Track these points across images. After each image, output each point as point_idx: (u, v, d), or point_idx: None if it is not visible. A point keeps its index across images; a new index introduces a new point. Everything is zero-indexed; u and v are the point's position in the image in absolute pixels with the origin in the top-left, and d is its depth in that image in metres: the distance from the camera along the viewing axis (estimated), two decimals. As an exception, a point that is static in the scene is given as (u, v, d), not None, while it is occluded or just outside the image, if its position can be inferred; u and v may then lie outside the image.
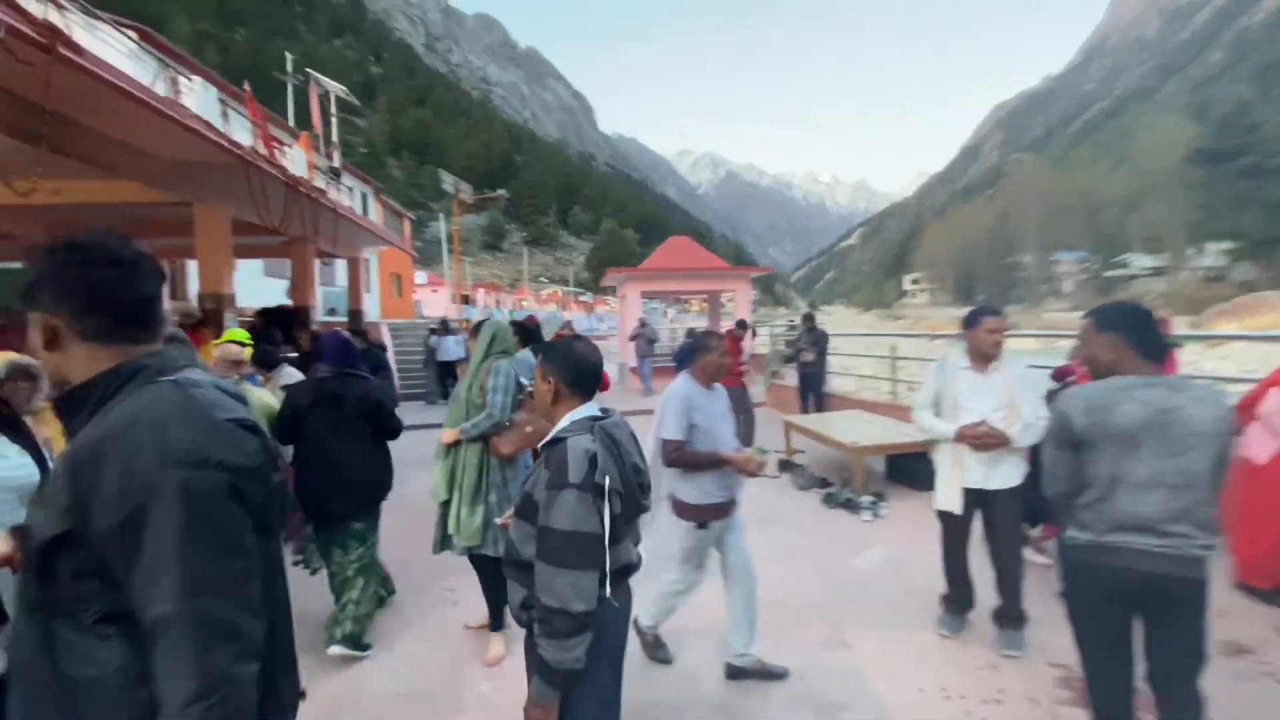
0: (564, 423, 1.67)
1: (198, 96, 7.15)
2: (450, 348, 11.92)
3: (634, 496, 1.61)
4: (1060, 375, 4.13)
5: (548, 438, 1.66)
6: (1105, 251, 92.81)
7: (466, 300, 43.03)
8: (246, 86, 8.51)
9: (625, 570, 1.63)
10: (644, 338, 13.03)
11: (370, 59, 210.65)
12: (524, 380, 3.13)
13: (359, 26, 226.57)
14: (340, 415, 3.11)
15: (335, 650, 3.02)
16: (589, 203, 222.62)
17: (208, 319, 7.29)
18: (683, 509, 2.80)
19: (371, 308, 24.71)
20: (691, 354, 2.92)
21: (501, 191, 22.26)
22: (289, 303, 10.03)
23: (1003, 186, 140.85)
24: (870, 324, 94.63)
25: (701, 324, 30.22)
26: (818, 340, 8.89)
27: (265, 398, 3.86)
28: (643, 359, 13.00)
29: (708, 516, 2.78)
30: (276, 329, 9.67)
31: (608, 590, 1.53)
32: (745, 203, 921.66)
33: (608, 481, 1.50)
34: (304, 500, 3.10)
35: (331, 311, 15.48)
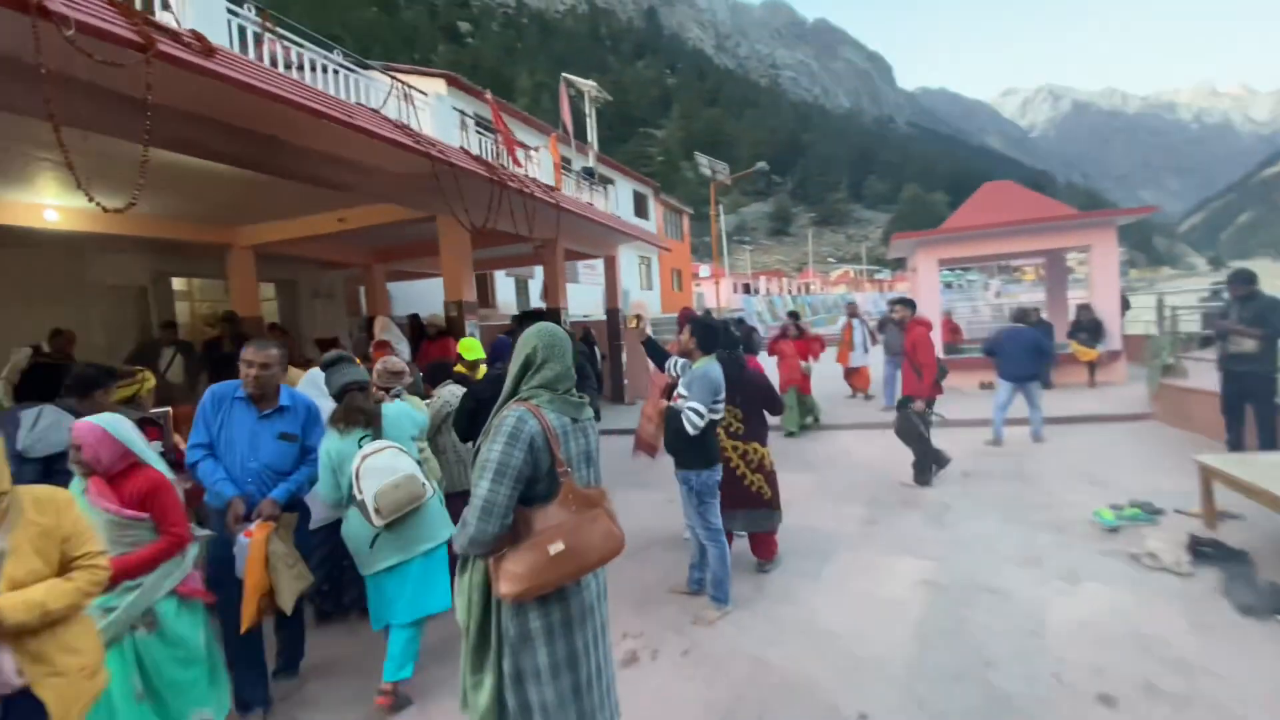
0: None
1: (433, 111, 7.26)
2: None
3: None
4: None
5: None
6: None
7: (747, 289, 42.44)
8: (488, 94, 8.62)
9: None
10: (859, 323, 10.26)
11: (666, 72, 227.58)
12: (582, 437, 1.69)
13: (656, 44, 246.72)
14: None
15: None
16: (886, 170, 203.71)
17: (451, 327, 7.45)
18: None
19: (653, 303, 25.57)
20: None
21: (761, 164, 20.46)
22: (543, 305, 10.15)
23: None
24: (1328, 279, 64.98)
25: (1036, 296, 23.59)
26: (1262, 314, 5.16)
27: (417, 404, 3.56)
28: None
29: None
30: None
31: None
32: (1101, 139, 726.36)
33: None
34: None
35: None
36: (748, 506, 3.99)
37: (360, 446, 2.85)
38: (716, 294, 20.94)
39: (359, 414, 2.88)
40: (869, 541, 4.54)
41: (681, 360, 3.85)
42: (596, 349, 9.76)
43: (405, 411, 3.13)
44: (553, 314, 9.71)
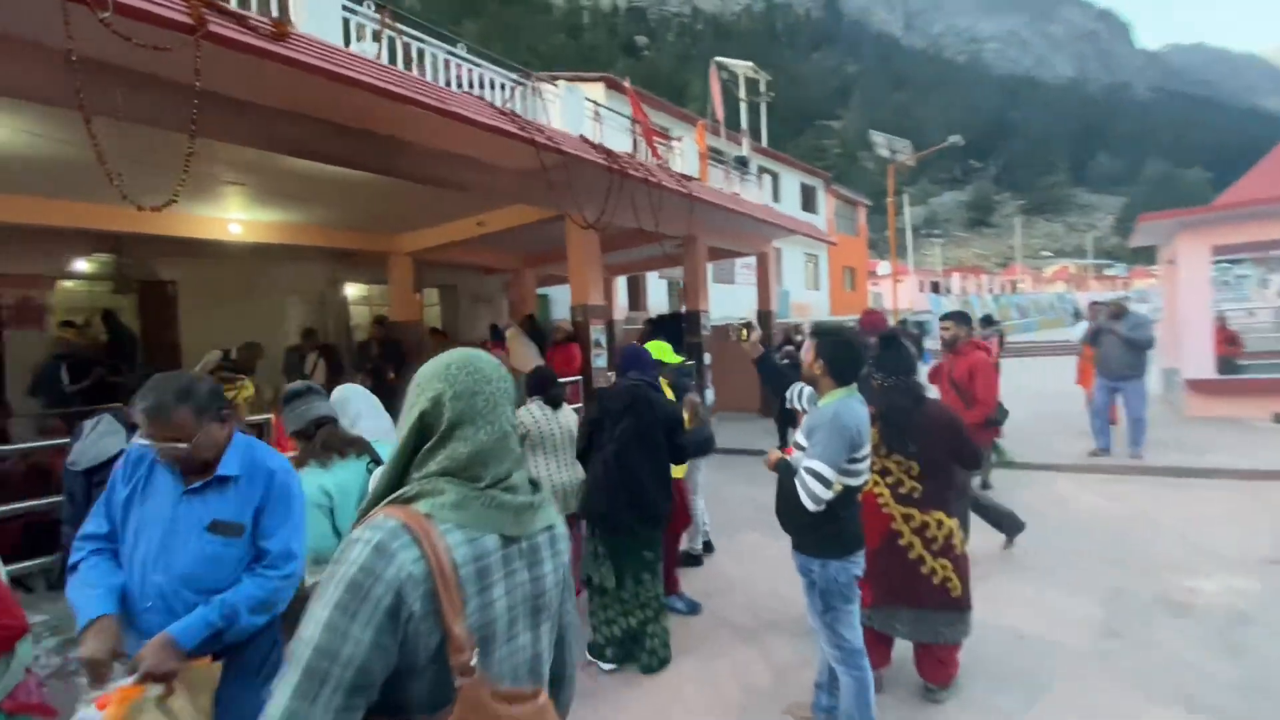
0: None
1: (562, 102, 6.79)
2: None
3: None
4: None
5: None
6: None
7: (936, 289, 37.50)
8: (626, 82, 8.00)
9: None
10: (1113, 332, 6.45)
11: (846, 60, 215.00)
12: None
13: (835, 33, 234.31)
14: (644, 424, 3.12)
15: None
16: (1120, 145, 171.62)
17: (579, 333, 6.93)
18: None
19: (819, 305, 23.53)
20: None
21: (954, 138, 17.39)
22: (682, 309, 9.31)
23: None
24: None
25: (1357, 294, 17.52)
26: None
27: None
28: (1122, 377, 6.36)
29: None
30: (664, 337, 9.09)
31: None
32: None
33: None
34: (593, 506, 3.18)
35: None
36: (921, 605, 2.71)
37: (369, 473, 2.22)
38: (894, 294, 18.43)
39: (349, 445, 2.25)
40: (1107, 667, 2.99)
41: (806, 389, 2.74)
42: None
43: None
44: (691, 319, 8.84)
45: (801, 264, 23.12)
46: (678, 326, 9.05)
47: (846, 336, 2.38)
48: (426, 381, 1.02)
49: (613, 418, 3.18)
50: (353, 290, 11.21)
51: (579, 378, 6.61)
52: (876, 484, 2.76)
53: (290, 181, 6.16)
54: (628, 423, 3.13)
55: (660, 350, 3.94)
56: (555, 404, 3.86)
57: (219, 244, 8.09)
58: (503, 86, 6.11)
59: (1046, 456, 6.76)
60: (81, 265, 7.87)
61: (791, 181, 22.45)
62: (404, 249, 9.26)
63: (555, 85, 6.77)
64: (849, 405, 2.27)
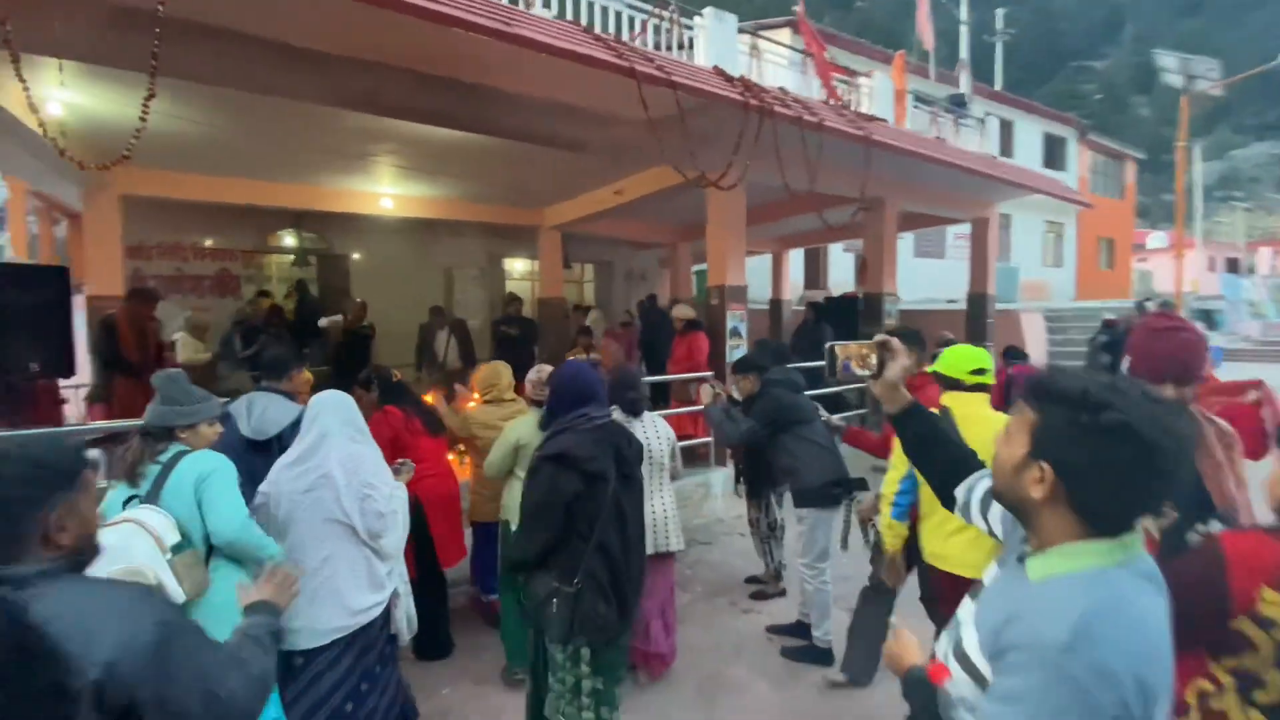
0: None
1: (708, 32, 5.53)
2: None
3: None
4: None
5: None
6: None
7: (1233, 267, 28.36)
8: (799, 7, 6.41)
9: None
10: None
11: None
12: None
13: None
14: (631, 492, 2.12)
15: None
16: None
17: (711, 319, 5.72)
18: None
19: (1061, 285, 19.01)
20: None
21: None
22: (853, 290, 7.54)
23: None
24: None
25: None
26: None
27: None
28: None
29: None
30: (831, 325, 7.38)
31: None
32: None
33: None
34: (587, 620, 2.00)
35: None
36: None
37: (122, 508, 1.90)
38: (1177, 273, 13.82)
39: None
40: None
41: (980, 487, 1.27)
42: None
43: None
44: (871, 303, 7.05)
45: (1040, 234, 18.77)
46: (850, 312, 7.34)
47: (1134, 401, 0.89)
48: None
49: (590, 482, 1.96)
50: (520, 265, 11.15)
51: (708, 374, 5.42)
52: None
53: (423, 152, 5.86)
54: (612, 491, 1.98)
55: (961, 360, 2.31)
56: (634, 411, 3.00)
57: (383, 220, 8.31)
58: (630, 21, 5.01)
59: None
60: (270, 241, 8.61)
61: (1031, 131, 18.18)
62: (549, 222, 8.77)
63: (700, 16, 5.50)
64: (1125, 602, 0.84)
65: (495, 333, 7.63)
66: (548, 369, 2.98)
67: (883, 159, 5.62)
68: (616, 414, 3.12)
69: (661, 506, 2.99)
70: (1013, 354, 6.82)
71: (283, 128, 5.04)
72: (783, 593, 3.86)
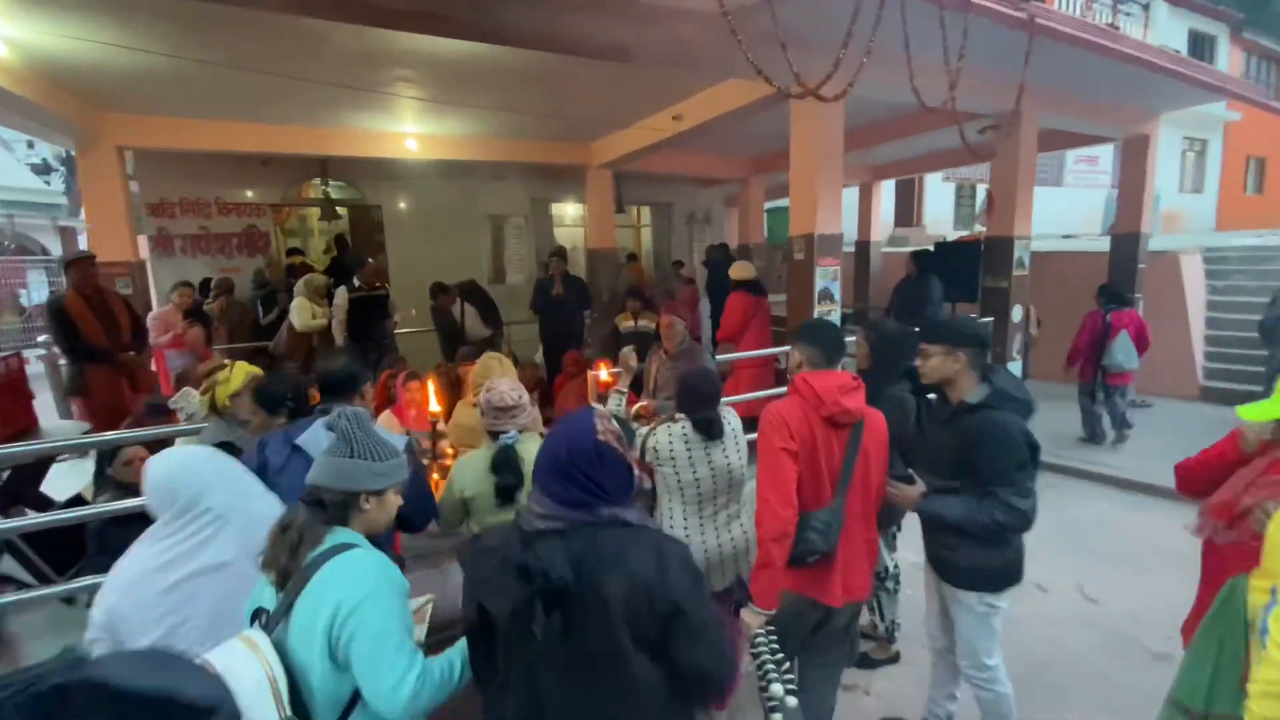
0: None
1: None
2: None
3: None
4: None
5: None
6: None
7: None
8: None
9: None
10: None
11: None
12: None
13: None
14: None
15: None
16: None
17: (792, 279, 4.53)
18: None
19: (1201, 215, 16.19)
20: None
21: None
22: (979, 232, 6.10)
23: None
24: None
25: None
26: None
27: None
28: None
29: None
30: (942, 277, 5.93)
31: None
32: None
33: None
34: None
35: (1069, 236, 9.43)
36: None
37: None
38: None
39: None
40: None
41: None
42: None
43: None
44: (996, 249, 5.60)
45: (1177, 155, 15.87)
46: (968, 262, 5.91)
47: None
48: None
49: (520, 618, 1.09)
50: (571, 210, 10.05)
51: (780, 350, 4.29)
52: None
53: (441, 77, 4.84)
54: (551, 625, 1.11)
55: None
56: (712, 433, 2.23)
57: (416, 166, 7.40)
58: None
59: None
60: (298, 194, 7.88)
61: (1171, 25, 15.05)
62: (598, 160, 7.59)
63: None
64: None
65: (535, 299, 6.67)
66: (504, 386, 2.05)
67: (1036, 56, 4.12)
68: (681, 427, 2.21)
69: (724, 539, 2.28)
70: (1110, 295, 5.29)
71: (271, 51, 4.11)
72: (896, 658, 2.87)
